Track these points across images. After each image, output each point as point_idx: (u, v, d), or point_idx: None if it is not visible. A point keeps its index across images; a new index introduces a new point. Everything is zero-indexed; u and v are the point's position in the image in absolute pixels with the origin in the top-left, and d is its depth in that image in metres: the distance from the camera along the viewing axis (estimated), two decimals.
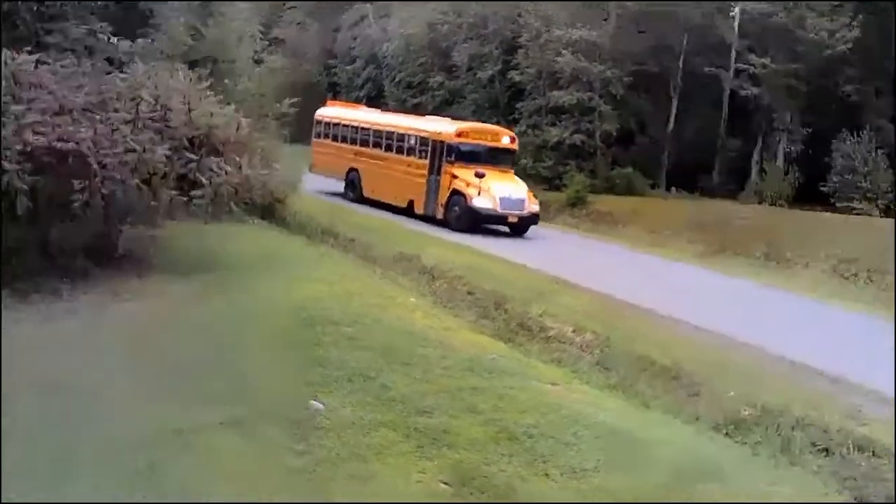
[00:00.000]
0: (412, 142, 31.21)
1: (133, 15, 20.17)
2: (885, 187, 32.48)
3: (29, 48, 16.56)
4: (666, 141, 36.72)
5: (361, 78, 50.02)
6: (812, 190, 33.76)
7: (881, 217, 30.80)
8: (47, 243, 16.27)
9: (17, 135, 14.67)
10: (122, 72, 17.62)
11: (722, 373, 14.75)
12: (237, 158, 16.52)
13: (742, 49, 35.18)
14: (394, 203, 31.15)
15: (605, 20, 36.94)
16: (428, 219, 29.61)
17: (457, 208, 28.85)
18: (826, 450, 12.14)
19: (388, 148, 32.41)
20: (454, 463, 9.63)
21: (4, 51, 15.97)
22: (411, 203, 30.60)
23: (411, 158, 31.10)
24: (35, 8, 18.60)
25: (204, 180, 15.83)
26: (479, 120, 41.20)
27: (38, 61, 15.96)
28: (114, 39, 18.48)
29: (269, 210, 23.45)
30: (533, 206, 28.91)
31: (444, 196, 29.36)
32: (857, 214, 31.27)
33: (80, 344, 13.17)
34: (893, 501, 9.50)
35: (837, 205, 32.70)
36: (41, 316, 14.48)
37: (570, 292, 19.91)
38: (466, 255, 23.17)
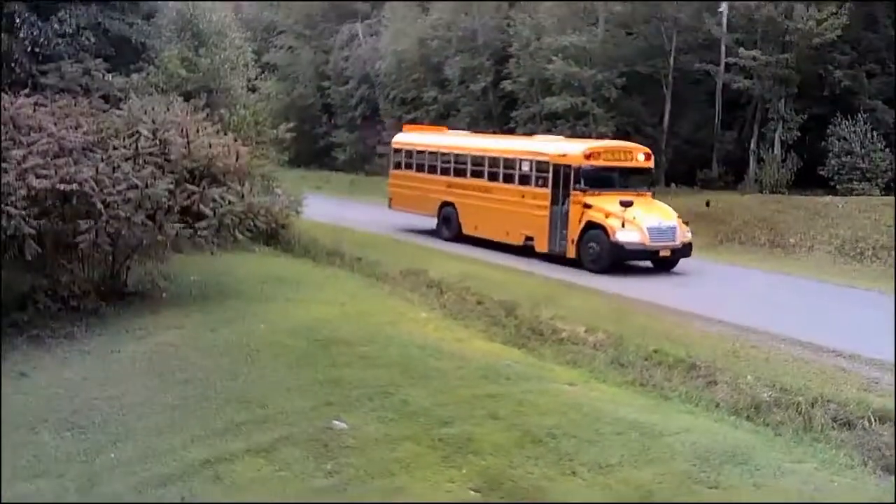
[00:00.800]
0: (526, 168, 25.85)
1: (125, 50, 20.30)
2: (883, 167, 32.56)
3: (26, 91, 16.73)
4: (662, 139, 36.78)
5: (355, 98, 50.17)
6: (811, 175, 33.81)
7: (881, 196, 30.88)
8: (58, 286, 16.40)
9: (20, 179, 14.80)
10: (118, 108, 17.78)
11: (737, 360, 14.80)
12: (239, 187, 16.64)
13: (731, 43, 35.27)
14: (505, 241, 26.09)
15: (594, 25, 37.10)
16: (554, 258, 24.44)
17: (594, 245, 23.42)
18: (847, 423, 12.23)
19: (494, 177, 27.14)
20: (481, 469, 9.69)
21: (3, 95, 16.16)
22: (529, 240, 25.40)
23: (526, 188, 25.71)
24: (30, 49, 18.73)
25: (208, 211, 15.95)
26: (475, 132, 41.45)
27: (36, 103, 16.12)
28: (108, 76, 18.57)
29: (273, 236, 23.56)
30: (686, 235, 23.77)
31: (574, 230, 23.92)
32: (858, 195, 31.35)
33: (98, 384, 13.28)
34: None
35: (838, 187, 32.75)
36: (57, 360, 14.62)
37: (578, 294, 19.96)
38: (471, 266, 23.19)
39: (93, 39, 19.80)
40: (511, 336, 16.19)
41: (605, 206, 23.58)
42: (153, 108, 17.28)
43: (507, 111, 40.59)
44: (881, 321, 17.00)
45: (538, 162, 25.53)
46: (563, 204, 24.50)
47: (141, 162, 15.87)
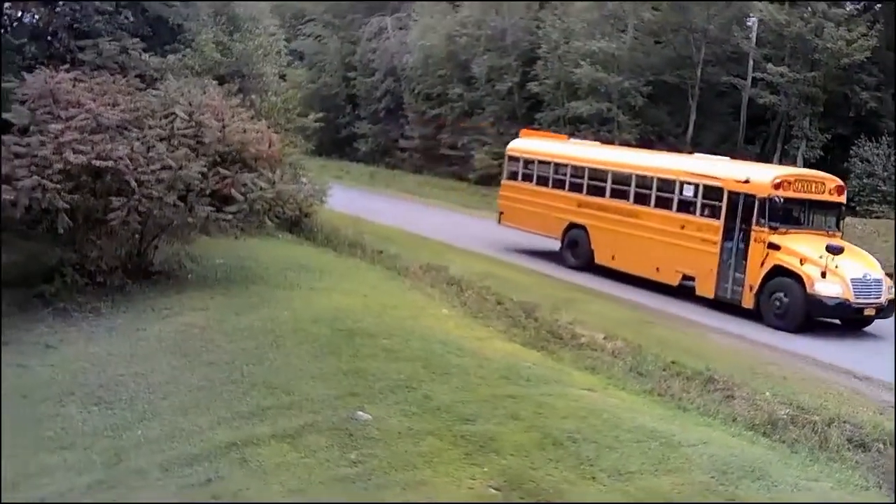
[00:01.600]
0: (689, 192, 21.54)
1: (162, 30, 20.49)
2: None
3: (66, 66, 16.92)
4: (684, 149, 36.83)
5: (380, 90, 50.33)
6: None
7: None
8: (85, 261, 16.61)
9: (56, 153, 14.99)
10: (153, 88, 17.96)
11: (754, 375, 14.91)
12: (270, 174, 16.80)
13: (759, 58, 35.31)
14: (654, 278, 21.99)
15: (623, 32, 37.20)
16: (722, 305, 20.53)
17: (783, 296, 19.19)
18: (863, 445, 12.34)
19: (643, 199, 22.72)
20: (502, 469, 9.81)
21: (43, 69, 16.35)
22: (688, 280, 21.40)
23: (688, 216, 21.49)
24: (70, 24, 18.92)
25: (239, 196, 16.11)
26: (498, 131, 41.58)
27: (75, 79, 16.30)
28: (145, 55, 18.74)
29: (296, 223, 23.75)
30: (890, 291, 19.63)
31: (755, 275, 19.79)
32: (877, 218, 31.35)
33: (125, 361, 13.50)
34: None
35: (857, 209, 32.74)
36: (84, 335, 14.85)
37: (598, 300, 20.09)
38: (490, 265, 23.33)
39: (131, 18, 19.97)
40: (530, 338, 16.29)
41: (798, 249, 19.49)
42: (189, 91, 17.45)
43: (531, 112, 40.70)
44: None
45: (707, 187, 21.22)
46: (739, 241, 20.37)
47: (175, 143, 16.07)
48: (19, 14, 20.86)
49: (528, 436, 10.74)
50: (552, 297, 19.54)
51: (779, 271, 19.43)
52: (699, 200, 21.33)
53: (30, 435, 11.32)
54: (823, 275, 18.73)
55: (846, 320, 19.52)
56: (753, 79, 35.65)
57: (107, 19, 19.40)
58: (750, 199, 20.18)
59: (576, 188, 24.93)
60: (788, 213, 20.58)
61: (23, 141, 15.12)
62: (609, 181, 23.87)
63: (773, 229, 19.75)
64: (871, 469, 11.62)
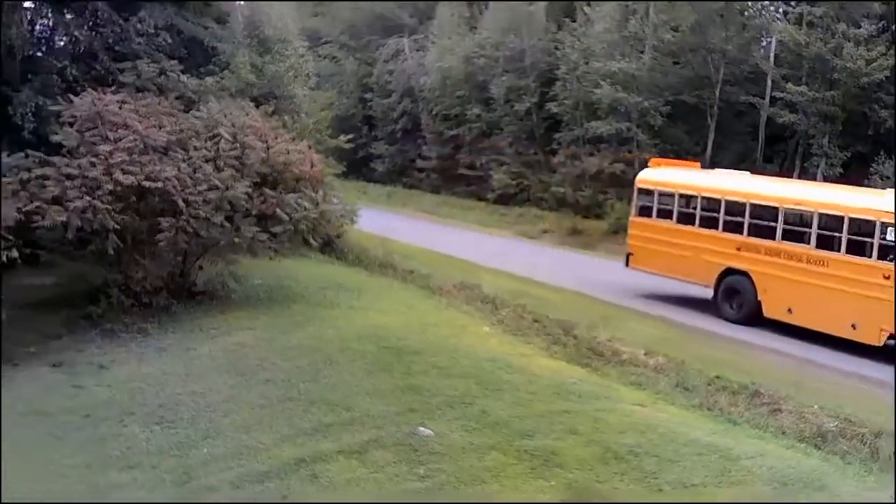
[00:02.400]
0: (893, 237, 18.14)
1: (197, 52, 20.70)
2: None
3: (112, 88, 17.16)
4: (705, 168, 37.06)
5: (397, 111, 50.53)
6: None
7: None
8: (130, 282, 16.80)
9: (106, 174, 15.21)
10: (191, 110, 18.20)
11: (799, 389, 15.02)
12: (313, 193, 17.02)
13: (778, 78, 35.53)
14: (849, 337, 18.29)
15: (642, 52, 37.43)
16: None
17: None
18: None
19: (829, 243, 19.32)
20: (569, 482, 10.00)
21: (90, 91, 16.59)
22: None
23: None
24: (111, 46, 19.17)
25: (284, 216, 16.32)
26: (516, 151, 41.83)
27: (122, 101, 16.54)
28: (183, 77, 18.97)
29: (328, 244, 23.91)
30: None
31: None
32: None
33: (181, 380, 13.68)
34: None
35: None
36: (135, 355, 15.03)
37: (633, 318, 20.21)
38: (522, 284, 23.43)
39: (169, 40, 20.21)
40: (572, 355, 16.46)
41: None
42: (231, 112, 17.69)
43: (549, 132, 40.88)
44: None
45: None
46: None
47: (221, 164, 16.29)
48: (49, 32, 21.12)
49: (588, 450, 10.92)
50: (587, 315, 19.65)
51: None
52: None
53: (96, 453, 11.51)
54: None
55: None
56: (772, 98, 35.82)
57: (147, 41, 19.63)
58: None
59: (734, 228, 21.15)
60: None
61: (73, 163, 15.33)
62: (781, 220, 20.24)
63: None
64: None
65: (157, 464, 11.04)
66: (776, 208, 20.40)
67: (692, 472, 10.43)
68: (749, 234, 20.79)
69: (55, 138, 16.27)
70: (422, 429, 11.23)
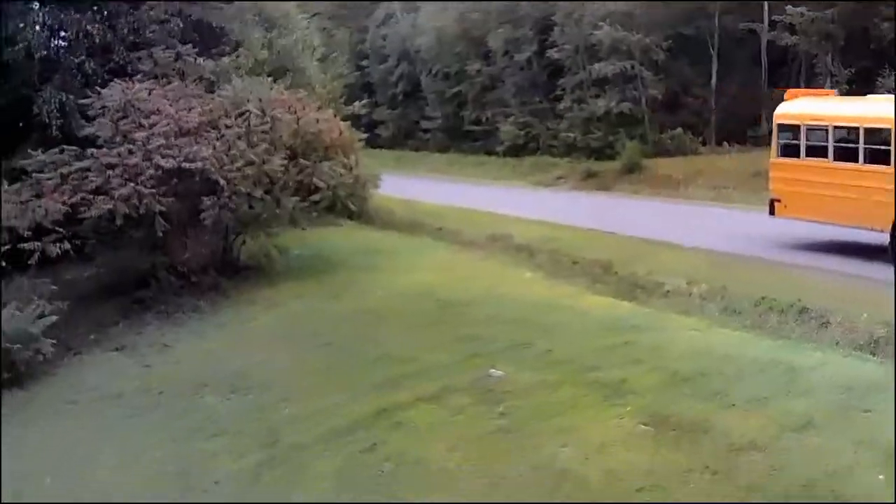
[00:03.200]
0: None
1: (207, 34, 20.85)
2: None
3: (138, 76, 17.40)
4: (711, 99, 37.23)
5: (395, 75, 50.57)
6: None
7: None
8: (176, 263, 17.13)
9: (146, 160, 15.50)
10: (211, 91, 18.43)
11: (844, 302, 15.27)
12: (345, 159, 17.29)
13: (775, 2, 35.56)
14: None
15: None
16: None
17: None
18: None
19: None
20: (644, 406, 10.30)
21: (118, 81, 16.83)
22: None
23: None
24: (125, 37, 19.35)
25: (321, 184, 16.62)
26: (521, 101, 41.87)
27: (150, 89, 16.78)
28: (199, 60, 19.17)
29: (353, 210, 24.16)
30: None
31: None
32: None
33: (243, 351, 14.07)
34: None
35: None
36: (194, 333, 15.42)
37: (665, 251, 20.43)
38: (550, 230, 23.63)
39: (181, 25, 20.38)
40: (616, 291, 16.68)
41: None
42: (256, 89, 17.91)
43: (552, 79, 40.95)
44: None
45: None
46: None
47: (254, 139, 16.55)
48: (62, 30, 21.26)
49: (655, 376, 11.23)
50: (621, 253, 19.89)
51: None
52: None
53: (177, 427, 11.90)
54: None
55: None
56: (771, 22, 35.87)
57: (160, 28, 19.80)
58: None
59: None
60: None
61: (112, 152, 15.61)
62: None
63: None
64: None
65: (241, 429, 11.43)
66: None
67: (759, 387, 10.73)
68: None
69: (85, 131, 16.57)
70: (493, 371, 11.56)
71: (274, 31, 24.42)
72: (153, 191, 15.28)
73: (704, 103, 37.85)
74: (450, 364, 12.15)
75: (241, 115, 16.96)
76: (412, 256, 19.66)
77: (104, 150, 15.75)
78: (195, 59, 19.67)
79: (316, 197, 16.67)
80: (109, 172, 15.32)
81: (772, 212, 20.72)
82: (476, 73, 44.08)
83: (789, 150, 20.65)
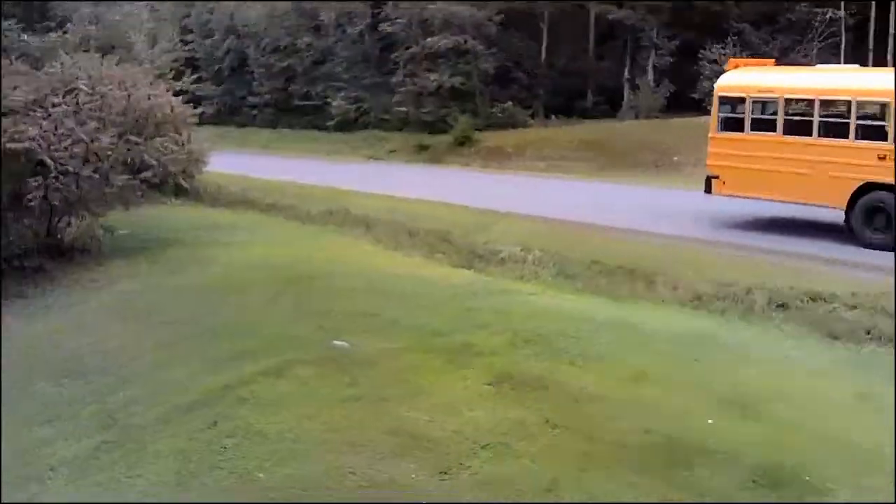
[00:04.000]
0: None
1: (33, 10, 20.00)
2: None
3: None
4: (540, 72, 38.05)
5: (221, 49, 49.36)
6: (684, 99, 35.63)
7: None
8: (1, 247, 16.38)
9: None
10: (38, 68, 17.68)
11: (664, 261, 15.95)
12: (177, 135, 16.89)
13: None
14: None
15: None
16: None
17: None
18: (783, 304, 13.34)
19: None
20: (487, 367, 10.51)
21: None
22: None
23: None
24: None
25: (152, 161, 16.18)
26: (353, 76, 41.68)
27: None
28: (24, 36, 18.36)
29: (181, 188, 23.58)
30: None
31: None
32: None
33: (74, 334, 13.55)
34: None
35: (709, 108, 34.54)
36: (21, 318, 14.73)
37: (501, 221, 20.83)
38: (385, 202, 23.71)
39: None
40: (455, 260, 16.95)
41: None
42: (86, 65, 17.27)
43: (385, 53, 40.98)
44: None
45: None
46: None
47: (83, 118, 15.96)
48: None
49: (499, 338, 11.50)
50: (457, 224, 20.18)
51: None
52: None
53: (10, 415, 11.35)
54: None
55: None
56: None
57: None
58: None
59: (872, 134, 17.24)
60: None
61: None
62: None
63: None
64: (797, 322, 12.80)
65: (76, 414, 11.00)
66: None
67: (597, 345, 11.21)
68: None
69: None
70: (336, 342, 11.54)
71: (102, 6, 23.54)
72: None
73: (534, 77, 38.65)
74: (295, 337, 12.03)
75: (69, 92, 16.29)
76: (249, 232, 19.48)
77: None
78: (19, 35, 18.85)
79: (147, 174, 16.19)
80: None
81: (708, 189, 19.60)
82: (307, 46, 43.62)
83: (731, 124, 19.42)
